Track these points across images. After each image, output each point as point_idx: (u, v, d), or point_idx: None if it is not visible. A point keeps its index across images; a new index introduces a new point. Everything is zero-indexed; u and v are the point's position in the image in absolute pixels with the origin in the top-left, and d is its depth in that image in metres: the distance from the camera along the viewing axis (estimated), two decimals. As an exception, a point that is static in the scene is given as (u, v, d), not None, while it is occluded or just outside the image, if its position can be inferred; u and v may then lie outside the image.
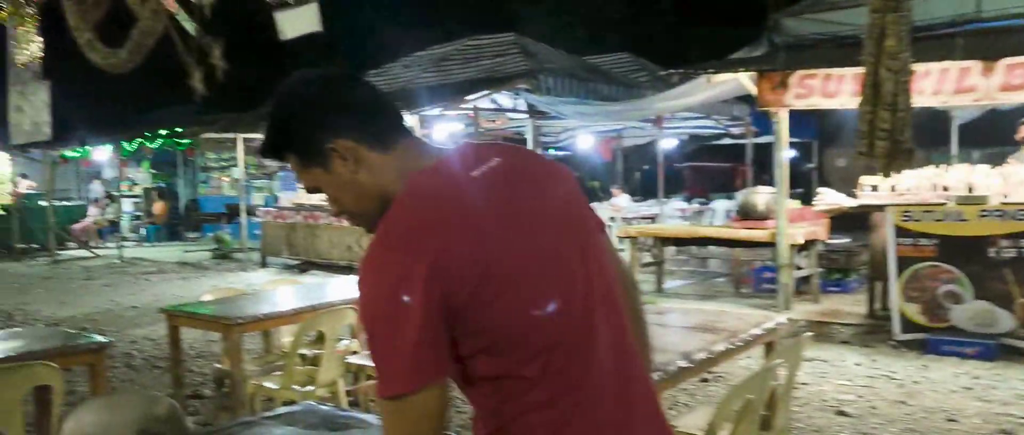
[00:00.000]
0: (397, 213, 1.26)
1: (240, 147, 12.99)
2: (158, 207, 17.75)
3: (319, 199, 12.58)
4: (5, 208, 16.08)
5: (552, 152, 17.62)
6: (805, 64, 7.04)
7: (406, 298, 1.17)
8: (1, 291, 10.38)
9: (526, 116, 11.04)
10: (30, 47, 10.11)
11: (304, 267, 11.84)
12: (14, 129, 14.79)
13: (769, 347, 3.74)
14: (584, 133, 14.93)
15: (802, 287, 7.95)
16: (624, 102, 10.99)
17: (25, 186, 17.04)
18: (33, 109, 14.51)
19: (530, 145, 10.87)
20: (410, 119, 11.98)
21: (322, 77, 1.38)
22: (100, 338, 3.79)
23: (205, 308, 4.48)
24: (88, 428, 2.35)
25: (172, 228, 17.99)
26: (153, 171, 19.17)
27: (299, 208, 12.36)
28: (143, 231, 17.67)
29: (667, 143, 15.25)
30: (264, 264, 12.61)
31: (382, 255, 1.23)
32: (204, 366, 6.01)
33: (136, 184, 18.70)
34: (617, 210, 12.51)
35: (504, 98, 11.58)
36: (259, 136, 11.15)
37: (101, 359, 3.63)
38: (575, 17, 22.24)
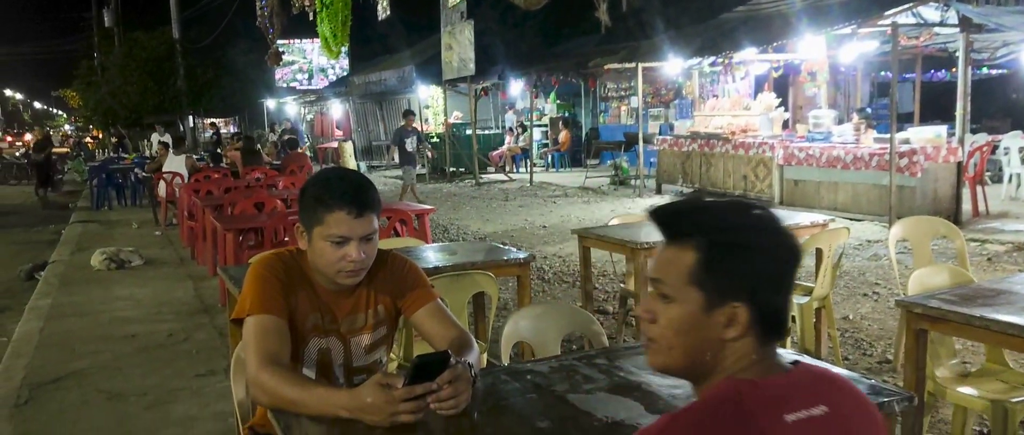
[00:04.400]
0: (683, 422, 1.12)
1: (639, 76, 13.40)
2: (563, 136, 19.16)
3: (715, 128, 12.51)
4: (438, 136, 18.72)
5: (985, 71, 15.28)
6: None
7: None
8: (439, 207, 12.14)
9: (957, 30, 9.64)
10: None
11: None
12: (445, 66, 17.09)
13: None
14: (1030, 48, 12.62)
15: None
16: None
17: (454, 117, 19.58)
18: (460, 47, 16.57)
19: (961, 64, 9.51)
20: (816, 40, 11.25)
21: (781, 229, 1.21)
22: (523, 253, 4.23)
23: (613, 231, 4.83)
24: (524, 331, 2.72)
25: (575, 155, 19.30)
26: (559, 102, 20.66)
27: (694, 136, 12.45)
28: (550, 158, 19.26)
29: None
30: (659, 191, 13.04)
31: None
32: (606, 284, 6.49)
33: (544, 114, 20.35)
34: (1067, 140, 10.50)
35: (930, 10, 10.22)
36: (658, 64, 11.33)
37: (527, 272, 4.11)
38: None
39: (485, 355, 3.55)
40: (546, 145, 19.78)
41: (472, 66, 16.02)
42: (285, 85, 29.93)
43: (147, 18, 27.93)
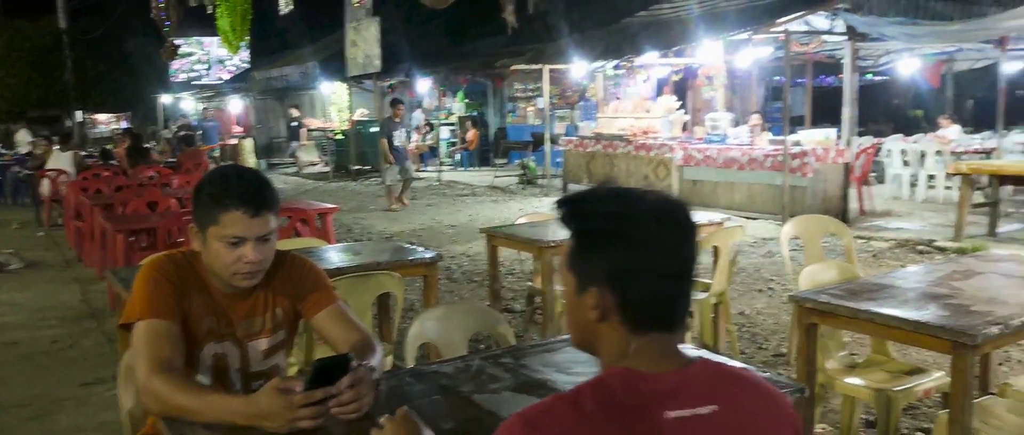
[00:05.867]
0: (556, 410, 1.15)
1: (545, 77, 13.53)
2: (471, 135, 19.16)
3: (618, 129, 12.71)
4: (343, 133, 18.41)
5: (869, 77, 16.14)
6: None
7: None
8: (343, 206, 11.91)
9: (844, 38, 10.16)
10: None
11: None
12: (350, 63, 16.82)
13: None
14: (908, 56, 13.43)
15: None
16: (962, 21, 9.68)
17: (359, 114, 19.31)
18: (366, 43, 16.35)
19: (847, 70, 10.01)
20: (714, 45, 11.63)
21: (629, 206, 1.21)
22: (430, 252, 4.19)
23: (520, 230, 4.85)
24: (429, 332, 2.70)
25: (483, 154, 19.33)
26: (466, 101, 20.66)
27: (598, 137, 12.67)
28: (458, 156, 19.23)
29: (1011, 67, 13.21)
30: (566, 190, 13.20)
31: None
32: (514, 283, 6.52)
33: (452, 113, 20.31)
34: (945, 143, 11.19)
35: (819, 19, 10.74)
36: (564, 66, 11.49)
37: (433, 271, 4.08)
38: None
39: (390, 357, 3.50)
40: (454, 144, 19.75)
41: (378, 63, 15.83)
42: (185, 76, 28.82)
43: (31, 5, 26.33)
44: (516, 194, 13.30)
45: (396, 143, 11.42)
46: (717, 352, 4.37)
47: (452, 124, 20.08)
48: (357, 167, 17.47)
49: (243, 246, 1.95)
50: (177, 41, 19.57)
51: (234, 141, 21.44)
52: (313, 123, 20.85)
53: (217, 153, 19.60)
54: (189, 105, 27.70)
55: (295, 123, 19.91)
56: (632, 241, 1.18)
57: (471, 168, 18.45)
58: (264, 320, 2.12)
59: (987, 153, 10.90)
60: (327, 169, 18.39)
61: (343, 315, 2.17)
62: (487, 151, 19.55)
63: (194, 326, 2.02)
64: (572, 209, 1.25)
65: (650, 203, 1.21)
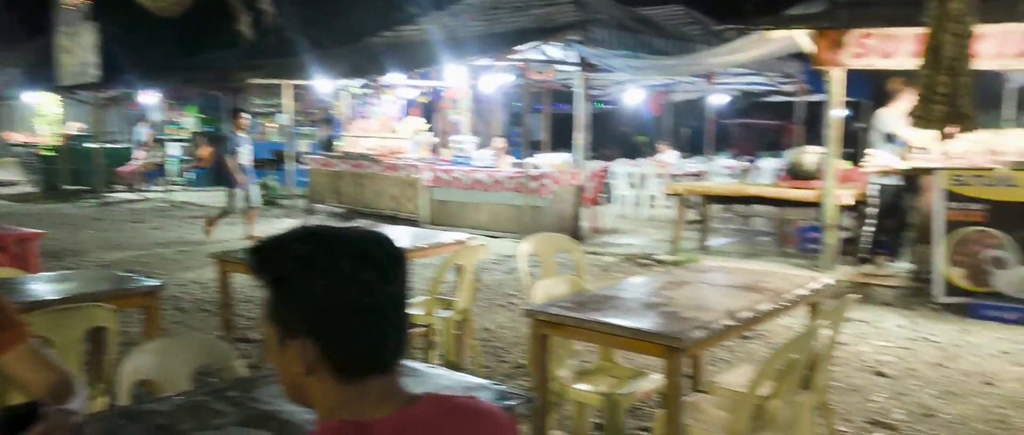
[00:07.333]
0: None
1: (287, 93, 13.10)
2: (204, 151, 18.03)
3: (366, 148, 12.57)
4: (55, 149, 16.50)
5: (600, 106, 17.46)
6: (865, 22, 6.84)
7: None
8: (52, 231, 10.67)
9: (577, 68, 10.91)
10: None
11: (350, 215, 11.98)
12: (61, 70, 15.13)
13: (813, 308, 3.73)
14: (634, 87, 14.75)
15: (847, 248, 7.86)
16: (677, 57, 10.81)
17: (74, 128, 17.42)
18: (81, 50, 14.80)
19: (579, 98, 10.75)
20: (459, 69, 11.95)
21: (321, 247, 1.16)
22: (152, 281, 3.86)
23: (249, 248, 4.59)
24: (148, 368, 2.44)
25: (219, 173, 18.24)
26: (200, 115, 19.42)
27: (346, 157, 12.47)
28: (190, 175, 17.99)
29: (717, 99, 15.01)
30: (311, 212, 12.80)
31: None
32: (251, 310, 6.17)
33: (182, 128, 18.99)
34: (664, 166, 12.41)
35: (554, 49, 11.44)
36: (306, 83, 11.12)
37: (154, 302, 3.73)
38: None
39: (104, 397, 3.13)
40: (186, 161, 18.45)
41: (95, 72, 14.40)
42: None
43: None
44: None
45: (241, 162, 9.91)
46: (461, 368, 4.44)
47: (184, 140, 18.78)
48: (72, 187, 15.72)
49: None
50: None
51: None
52: (13, 137, 18.45)
53: None
54: None
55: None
56: (329, 285, 1.12)
57: (205, 188, 17.34)
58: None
59: (698, 175, 12.23)
60: (34, 189, 16.34)
61: (36, 355, 1.89)
62: (223, 169, 18.47)
63: None
64: (263, 256, 1.18)
65: (346, 242, 1.16)
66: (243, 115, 10.21)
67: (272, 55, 14.28)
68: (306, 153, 14.36)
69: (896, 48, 6.60)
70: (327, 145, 13.96)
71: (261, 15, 6.50)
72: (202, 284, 7.28)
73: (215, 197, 15.13)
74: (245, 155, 9.87)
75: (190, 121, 19.16)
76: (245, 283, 6.32)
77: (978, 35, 4.86)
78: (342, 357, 1.14)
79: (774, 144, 17.46)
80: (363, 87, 13.78)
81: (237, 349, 4.87)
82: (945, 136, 4.51)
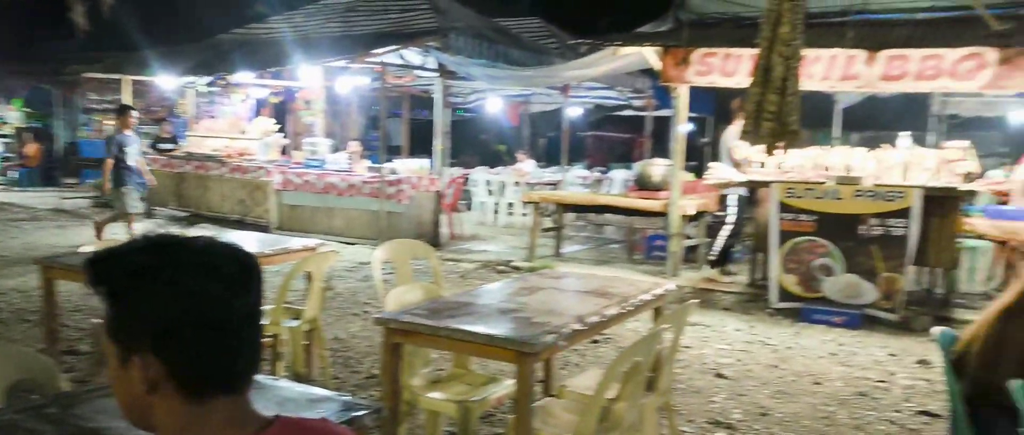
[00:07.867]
0: None
1: (127, 89, 12.29)
2: (31, 149, 16.67)
3: (212, 149, 12.04)
4: None
5: (460, 113, 17.50)
6: (707, 42, 7.25)
7: None
8: None
9: (436, 75, 10.88)
10: None
11: (193, 220, 11.40)
12: None
13: (657, 312, 3.87)
14: (493, 96, 14.91)
15: (690, 255, 8.29)
16: (533, 68, 11.01)
17: None
18: None
19: (438, 105, 10.73)
20: (313, 70, 11.64)
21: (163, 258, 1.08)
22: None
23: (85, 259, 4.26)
24: (-50, 384, 2.20)
25: (48, 172, 16.93)
26: (27, 109, 17.93)
27: (189, 158, 11.86)
28: (14, 174, 16.57)
29: (572, 111, 15.41)
30: (150, 215, 12.05)
31: None
32: (81, 321, 5.73)
33: (6, 123, 17.47)
34: (521, 175, 12.59)
35: (413, 55, 11.37)
36: (147, 78, 10.43)
37: (-34, 310, 3.39)
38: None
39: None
40: (9, 159, 16.97)
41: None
42: None
43: None
44: (89, 218, 11.77)
45: (129, 163, 8.80)
46: (310, 380, 4.30)
47: (7, 136, 17.29)
48: None
49: None
50: None
51: None
52: None
53: None
54: None
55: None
56: (172, 299, 1.06)
57: (32, 188, 16.00)
58: None
59: (555, 184, 12.50)
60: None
61: None
62: (53, 168, 17.15)
63: None
64: (99, 268, 1.09)
65: (191, 253, 1.09)
66: (131, 112, 9.22)
67: (112, 48, 13.39)
68: (144, 153, 13.54)
69: (736, 67, 7.02)
70: (157, 143, 13.07)
71: (98, 4, 6.06)
72: (24, 292, 6.70)
73: (43, 198, 14.00)
74: (133, 155, 8.90)
75: (15, 116, 17.67)
76: (74, 291, 5.89)
77: (806, 58, 5.24)
78: (188, 375, 1.07)
79: (625, 156, 18.16)
80: (210, 85, 13.14)
81: (63, 362, 4.55)
82: (772, 151, 4.80)
